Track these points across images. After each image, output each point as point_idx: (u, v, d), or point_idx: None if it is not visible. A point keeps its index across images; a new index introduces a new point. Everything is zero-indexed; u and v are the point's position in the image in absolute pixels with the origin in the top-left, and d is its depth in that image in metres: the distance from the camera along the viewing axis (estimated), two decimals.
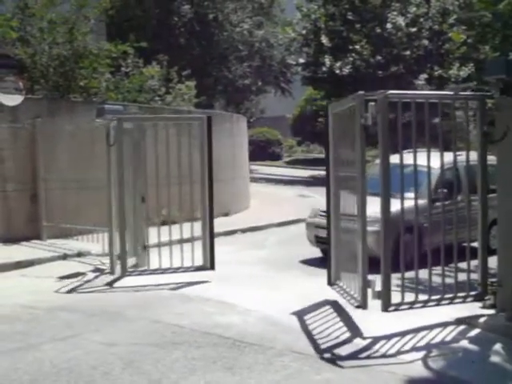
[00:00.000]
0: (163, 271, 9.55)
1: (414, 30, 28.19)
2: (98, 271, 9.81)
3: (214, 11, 28.53)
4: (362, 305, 7.43)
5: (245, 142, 19.43)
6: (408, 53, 28.12)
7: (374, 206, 10.38)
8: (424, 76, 27.35)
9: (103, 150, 9.94)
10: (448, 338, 6.64)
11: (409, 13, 28.52)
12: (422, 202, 10.68)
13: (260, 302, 8.12)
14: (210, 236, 10.02)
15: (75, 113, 12.25)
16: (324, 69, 28.87)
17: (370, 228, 9.99)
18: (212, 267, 9.77)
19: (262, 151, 35.56)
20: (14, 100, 11.71)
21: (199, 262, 9.74)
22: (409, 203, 10.51)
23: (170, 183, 9.89)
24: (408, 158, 12.81)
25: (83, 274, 9.68)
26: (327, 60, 28.58)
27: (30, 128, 12.17)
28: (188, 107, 17.47)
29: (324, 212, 10.92)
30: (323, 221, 10.83)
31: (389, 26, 28.27)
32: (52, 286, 9.04)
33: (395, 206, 10.34)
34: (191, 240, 9.88)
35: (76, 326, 7.02)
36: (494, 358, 6.22)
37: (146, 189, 10.22)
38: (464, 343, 6.60)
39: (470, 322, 7.10)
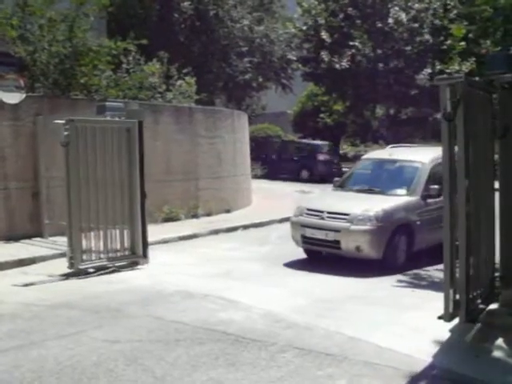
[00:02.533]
0: None
1: (415, 25, 28.17)
2: (101, 269, 9.80)
3: (215, 7, 28.46)
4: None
5: (246, 139, 19.42)
6: (409, 48, 28.10)
7: (363, 204, 10.38)
8: (428, 71, 27.33)
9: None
10: (451, 334, 6.62)
11: (410, 8, 28.48)
12: (413, 199, 10.61)
13: (262, 299, 8.14)
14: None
15: (76, 110, 12.20)
16: (323, 65, 28.87)
17: (360, 227, 9.95)
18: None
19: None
20: (14, 98, 11.70)
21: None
22: (400, 200, 10.58)
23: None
24: (396, 152, 12.28)
25: (85, 271, 9.68)
26: (325, 56, 28.57)
27: (31, 126, 12.16)
28: (189, 104, 17.44)
29: (310, 210, 10.75)
30: (310, 220, 10.63)
31: (390, 20, 28.24)
32: (54, 284, 9.06)
33: (387, 203, 10.39)
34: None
35: (78, 323, 7.02)
36: (498, 353, 6.20)
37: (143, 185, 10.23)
38: (468, 338, 6.59)
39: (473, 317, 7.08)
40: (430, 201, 10.53)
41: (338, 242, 10.18)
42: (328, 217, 10.38)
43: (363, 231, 9.95)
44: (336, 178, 12.56)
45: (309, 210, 10.87)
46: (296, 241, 11.03)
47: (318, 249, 10.83)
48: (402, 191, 10.86)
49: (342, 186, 11.89)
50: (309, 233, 10.61)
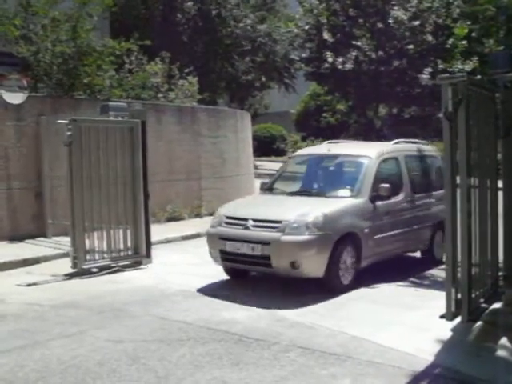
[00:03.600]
0: None
1: (417, 23, 28.12)
2: (104, 268, 9.81)
3: (217, 7, 28.46)
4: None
5: (249, 138, 19.43)
6: (411, 47, 28.06)
7: (298, 208, 8.51)
8: (428, 70, 27.30)
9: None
10: (453, 332, 6.62)
11: (411, 7, 28.44)
12: (359, 201, 8.82)
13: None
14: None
15: (79, 110, 12.24)
16: (326, 65, 28.85)
17: (295, 237, 8.04)
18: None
19: (266, 147, 35.55)
20: (17, 98, 11.72)
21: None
22: (344, 203, 8.76)
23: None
24: (336, 147, 10.52)
25: (88, 270, 9.70)
26: (329, 56, 28.55)
27: (35, 126, 12.19)
28: (191, 103, 17.45)
29: (232, 218, 8.74)
30: (231, 230, 8.58)
31: (391, 20, 28.21)
32: (57, 284, 9.09)
33: (328, 207, 8.51)
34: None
35: (82, 323, 7.04)
36: (501, 352, 6.19)
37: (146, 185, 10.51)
38: (470, 337, 6.59)
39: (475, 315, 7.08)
40: (379, 203, 8.93)
41: (267, 257, 8.09)
42: (254, 226, 8.33)
43: (299, 242, 7.98)
44: (264, 180, 10.61)
45: (229, 218, 8.76)
46: (214, 257, 8.86)
47: (242, 267, 8.73)
48: (346, 192, 9.00)
49: (271, 189, 9.94)
50: (230, 247, 8.47)
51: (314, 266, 8.07)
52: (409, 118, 31.77)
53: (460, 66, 27.08)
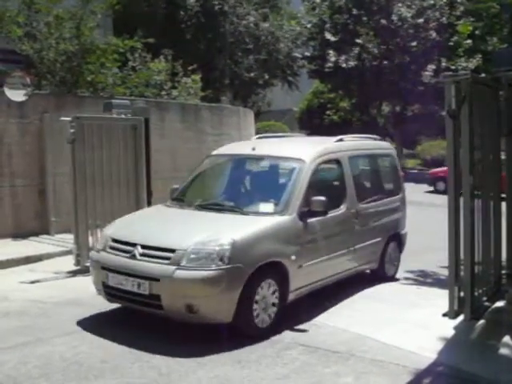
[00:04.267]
0: None
1: (420, 21, 28.13)
2: None
3: (221, 2, 28.45)
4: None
5: (252, 136, 19.41)
6: (415, 44, 28.06)
7: (202, 230, 6.59)
8: (432, 67, 27.32)
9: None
10: (456, 330, 6.62)
11: (414, 4, 28.46)
12: (285, 219, 6.91)
13: None
14: None
15: (82, 108, 12.24)
16: (329, 64, 28.87)
17: (192, 273, 6.12)
18: None
19: None
20: (21, 95, 11.73)
21: None
22: (264, 223, 6.80)
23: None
24: (264, 145, 8.58)
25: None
26: (332, 55, 28.58)
27: (38, 123, 12.20)
28: (194, 101, 17.46)
29: (117, 242, 6.80)
30: (115, 258, 6.65)
31: (394, 17, 28.22)
32: (60, 281, 9.10)
33: (242, 228, 6.59)
34: None
35: (85, 320, 7.05)
36: (504, 351, 6.19)
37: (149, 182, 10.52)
38: (473, 336, 6.59)
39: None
40: (312, 221, 7.10)
41: (157, 296, 6.21)
42: (143, 254, 6.42)
43: (198, 280, 6.08)
44: (174, 186, 8.30)
45: (115, 241, 6.83)
46: (98, 290, 6.96)
47: (129, 305, 6.73)
48: (269, 207, 7.03)
49: (180, 200, 7.90)
50: (112, 280, 6.54)
51: (217, 309, 6.22)
52: (412, 115, 31.77)
53: (463, 64, 27.08)
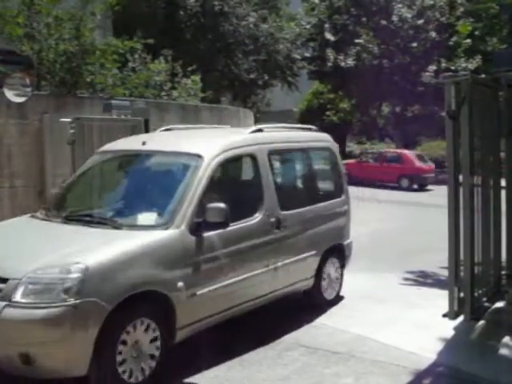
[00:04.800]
0: None
1: (420, 21, 28.17)
2: None
3: (221, 2, 28.48)
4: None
5: None
6: (414, 44, 28.10)
7: (50, 251, 5.04)
8: (432, 67, 27.37)
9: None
10: (456, 331, 6.62)
11: (414, 5, 28.51)
12: (171, 234, 5.35)
13: None
14: None
15: (82, 108, 12.22)
16: (329, 64, 28.92)
17: (28, 312, 4.55)
18: None
19: None
20: (20, 96, 11.72)
21: None
22: (140, 240, 5.22)
23: None
24: (159, 139, 7.08)
25: None
26: (331, 54, 28.62)
27: (38, 124, 12.19)
28: (194, 102, 17.46)
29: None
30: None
31: (395, 18, 28.26)
32: None
33: (105, 248, 5.05)
34: None
35: None
36: (504, 351, 6.20)
37: None
38: (473, 336, 6.59)
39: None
40: (210, 235, 5.58)
41: None
42: None
43: (35, 321, 4.53)
44: (56, 189, 6.81)
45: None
46: None
47: None
48: (149, 219, 5.56)
49: (55, 207, 6.37)
50: None
51: (63, 359, 4.65)
52: (412, 116, 31.79)
53: (463, 65, 27.12)
